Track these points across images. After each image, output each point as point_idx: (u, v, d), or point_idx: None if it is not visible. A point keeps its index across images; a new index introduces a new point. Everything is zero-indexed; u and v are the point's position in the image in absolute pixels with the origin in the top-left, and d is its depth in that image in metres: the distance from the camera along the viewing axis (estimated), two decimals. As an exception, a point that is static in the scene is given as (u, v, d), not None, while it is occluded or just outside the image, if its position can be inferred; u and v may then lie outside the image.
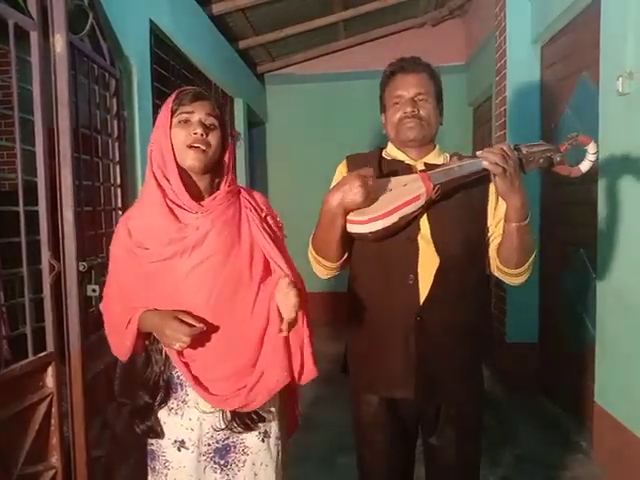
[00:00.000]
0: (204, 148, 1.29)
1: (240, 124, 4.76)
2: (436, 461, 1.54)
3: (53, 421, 1.74)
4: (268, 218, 1.42)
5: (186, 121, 1.29)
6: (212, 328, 1.31)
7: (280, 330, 1.25)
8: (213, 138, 1.31)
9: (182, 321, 1.25)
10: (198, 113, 1.30)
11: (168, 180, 1.30)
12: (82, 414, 1.80)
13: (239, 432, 1.36)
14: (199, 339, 1.29)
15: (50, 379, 1.74)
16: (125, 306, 1.35)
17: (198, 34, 3.56)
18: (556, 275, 3.27)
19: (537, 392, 3.46)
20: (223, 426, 1.35)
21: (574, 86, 2.99)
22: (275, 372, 1.33)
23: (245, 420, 1.35)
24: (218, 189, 1.36)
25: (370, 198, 1.33)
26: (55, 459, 1.75)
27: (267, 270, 1.36)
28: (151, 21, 2.64)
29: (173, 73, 3.28)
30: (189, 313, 1.28)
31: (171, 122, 1.30)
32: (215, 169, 1.36)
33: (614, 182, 2.36)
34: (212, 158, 1.32)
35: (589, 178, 2.71)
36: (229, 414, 1.35)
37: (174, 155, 1.30)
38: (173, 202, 1.30)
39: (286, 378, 1.35)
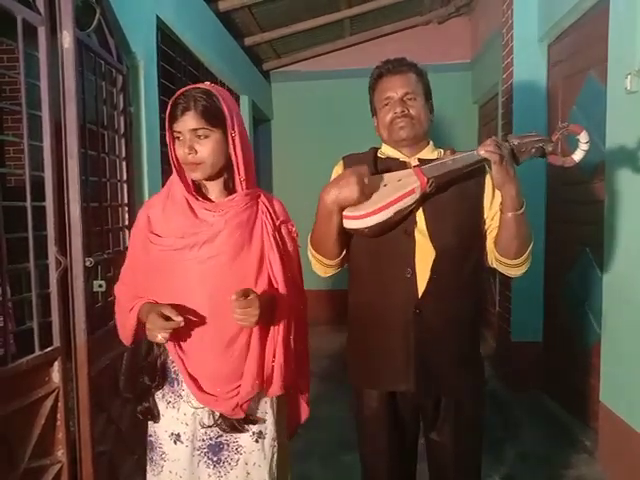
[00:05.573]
0: (197, 163, 1.29)
1: (245, 121, 4.74)
2: (436, 456, 1.56)
3: (59, 416, 1.75)
4: (282, 227, 1.42)
5: (179, 137, 1.29)
6: (211, 325, 1.32)
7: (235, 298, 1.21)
8: (205, 148, 1.29)
9: (163, 315, 1.24)
10: (185, 129, 1.27)
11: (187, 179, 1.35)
12: (88, 409, 1.80)
13: (226, 432, 1.37)
14: (195, 332, 1.32)
15: (56, 374, 1.74)
16: (133, 289, 1.38)
17: (204, 30, 3.56)
18: (562, 274, 3.25)
19: (542, 391, 3.45)
20: (211, 423, 1.36)
21: (581, 84, 2.97)
22: (248, 379, 1.34)
23: (232, 421, 1.36)
24: (233, 186, 1.37)
25: (365, 194, 1.34)
26: (61, 453, 1.76)
27: (272, 281, 1.38)
28: (158, 17, 2.64)
29: (179, 69, 3.29)
30: (178, 307, 1.27)
31: (172, 133, 1.31)
32: (228, 168, 1.36)
33: (621, 181, 2.34)
34: (212, 166, 1.31)
35: (596, 176, 2.72)
36: (217, 413, 1.36)
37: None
38: (193, 198, 1.33)
39: (257, 386, 1.35)
